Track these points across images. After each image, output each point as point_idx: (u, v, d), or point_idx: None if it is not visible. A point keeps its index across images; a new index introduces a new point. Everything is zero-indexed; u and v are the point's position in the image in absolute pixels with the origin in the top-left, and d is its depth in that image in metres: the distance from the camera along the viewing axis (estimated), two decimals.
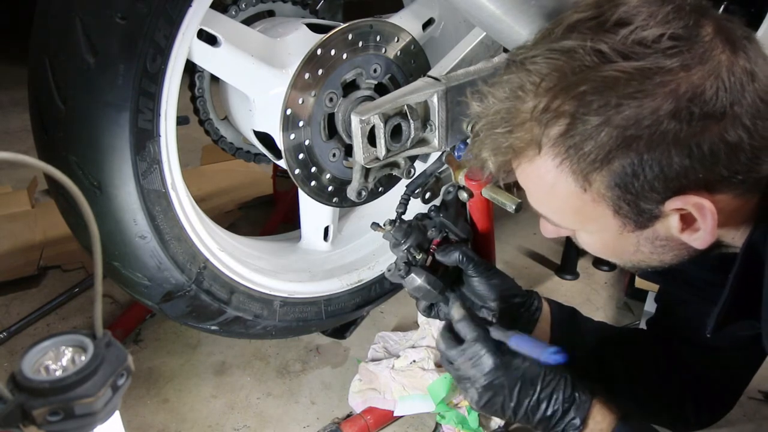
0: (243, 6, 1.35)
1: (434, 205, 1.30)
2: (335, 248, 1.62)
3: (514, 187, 1.10)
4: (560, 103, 0.71)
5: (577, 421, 0.90)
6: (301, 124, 1.24)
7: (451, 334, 0.98)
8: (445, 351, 0.97)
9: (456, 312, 0.99)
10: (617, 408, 0.92)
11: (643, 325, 1.60)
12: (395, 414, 1.39)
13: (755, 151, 0.71)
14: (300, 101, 1.21)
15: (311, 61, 1.20)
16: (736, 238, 0.82)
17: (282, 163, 1.29)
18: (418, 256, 1.19)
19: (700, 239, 0.76)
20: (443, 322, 1.02)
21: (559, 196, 0.77)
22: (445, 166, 1.29)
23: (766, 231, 0.79)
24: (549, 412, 0.91)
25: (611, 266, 1.98)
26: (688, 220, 0.75)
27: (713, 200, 0.72)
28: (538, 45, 0.75)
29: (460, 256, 1.15)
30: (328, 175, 1.33)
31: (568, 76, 0.70)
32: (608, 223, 0.78)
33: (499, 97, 0.76)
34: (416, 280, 1.18)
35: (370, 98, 1.29)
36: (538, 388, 0.91)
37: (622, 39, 0.69)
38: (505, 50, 1.15)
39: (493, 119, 0.77)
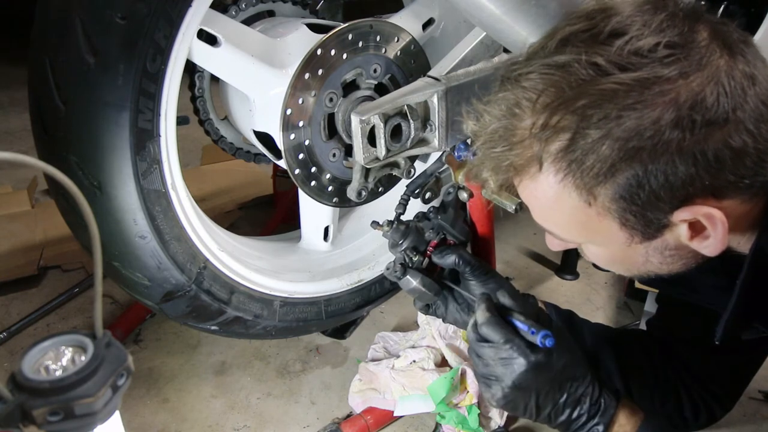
0: (243, 6, 1.35)
1: (433, 207, 1.30)
2: (335, 248, 1.62)
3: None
4: (559, 118, 0.70)
5: (601, 428, 0.90)
6: (301, 124, 1.24)
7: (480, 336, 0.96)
8: (476, 346, 0.95)
9: (481, 315, 0.96)
10: (641, 409, 0.92)
11: (643, 325, 1.60)
12: (395, 414, 1.39)
13: (761, 154, 0.70)
14: (300, 101, 1.21)
15: (311, 61, 1.20)
16: (742, 243, 0.81)
17: (282, 163, 1.29)
18: (415, 258, 1.20)
19: (710, 247, 0.75)
20: (472, 319, 1.00)
21: (564, 211, 0.77)
22: (445, 166, 1.29)
23: None
24: (573, 416, 0.91)
25: None
26: (697, 228, 0.74)
27: (721, 206, 0.71)
28: (532, 60, 0.74)
29: (457, 259, 1.16)
30: (328, 175, 1.33)
31: (565, 91, 0.70)
32: (615, 236, 0.77)
33: (495, 115, 0.75)
34: (411, 282, 1.18)
35: (370, 98, 1.29)
36: (565, 395, 0.90)
37: (617, 50, 0.68)
38: (506, 50, 1.15)
39: (491, 138, 0.76)
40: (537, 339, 0.90)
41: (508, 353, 0.91)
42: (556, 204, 0.76)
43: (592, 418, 0.90)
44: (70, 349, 0.55)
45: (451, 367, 1.41)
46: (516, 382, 0.90)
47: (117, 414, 0.57)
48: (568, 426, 0.92)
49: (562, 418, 0.91)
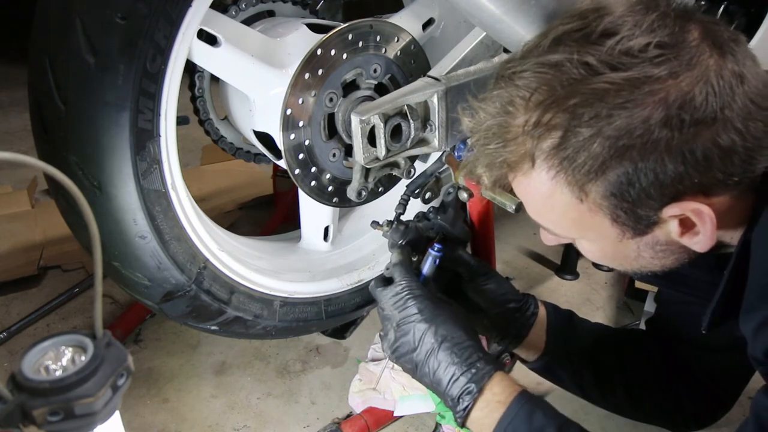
0: (243, 6, 1.35)
1: (433, 207, 1.30)
2: (335, 248, 1.62)
3: None
4: (551, 116, 0.71)
5: (473, 387, 0.91)
6: (301, 124, 1.24)
7: (385, 279, 1.08)
8: (376, 291, 1.06)
9: (395, 256, 1.08)
10: (517, 384, 0.93)
11: (643, 325, 1.60)
12: (395, 414, 1.39)
13: (749, 152, 0.71)
14: (300, 101, 1.21)
15: (311, 61, 1.20)
16: (734, 238, 0.82)
17: (282, 163, 1.29)
18: (414, 258, 1.20)
19: (700, 243, 0.76)
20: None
21: (556, 207, 0.78)
22: (445, 166, 1.29)
23: (759, 228, 0.79)
24: (447, 373, 0.93)
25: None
26: (687, 224, 0.75)
27: (710, 203, 0.72)
28: (526, 59, 0.75)
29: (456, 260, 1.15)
30: (328, 175, 1.33)
31: (557, 90, 0.71)
32: (607, 232, 0.79)
33: (490, 113, 0.77)
34: None
35: (370, 98, 1.29)
36: (447, 343, 0.94)
37: (608, 50, 0.69)
38: (506, 50, 1.15)
39: (485, 135, 0.78)
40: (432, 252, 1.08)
41: (402, 294, 1.00)
42: (549, 200, 0.77)
43: (464, 373, 0.92)
44: (70, 349, 0.56)
45: None
46: (403, 319, 0.97)
47: (117, 414, 0.57)
48: (446, 383, 0.93)
49: (436, 373, 0.94)
